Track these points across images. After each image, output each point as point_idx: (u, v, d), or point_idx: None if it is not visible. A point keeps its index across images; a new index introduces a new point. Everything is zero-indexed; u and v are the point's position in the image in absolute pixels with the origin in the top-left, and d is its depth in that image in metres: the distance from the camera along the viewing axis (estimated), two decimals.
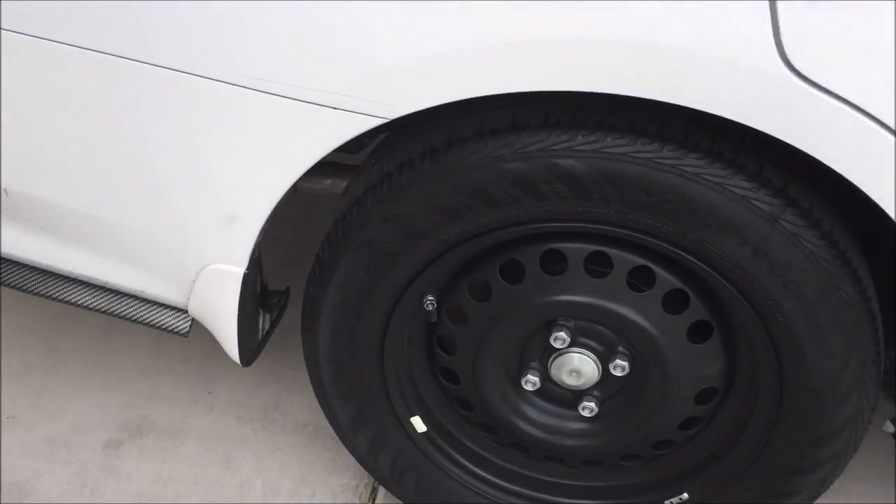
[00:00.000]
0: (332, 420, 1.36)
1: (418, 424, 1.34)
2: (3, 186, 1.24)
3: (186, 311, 1.32)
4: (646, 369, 1.23)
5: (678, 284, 1.16)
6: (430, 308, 1.24)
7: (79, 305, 1.38)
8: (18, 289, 1.39)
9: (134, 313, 1.36)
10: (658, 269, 1.16)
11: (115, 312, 1.37)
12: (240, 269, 1.20)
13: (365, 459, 1.39)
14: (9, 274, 1.37)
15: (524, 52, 0.95)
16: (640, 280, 1.17)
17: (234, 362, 1.33)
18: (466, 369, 1.28)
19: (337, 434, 1.39)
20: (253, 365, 1.35)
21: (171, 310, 1.34)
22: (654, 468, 1.35)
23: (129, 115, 1.11)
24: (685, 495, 1.32)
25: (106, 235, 1.25)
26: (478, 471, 1.38)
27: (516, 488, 1.39)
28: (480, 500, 1.37)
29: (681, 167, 1.02)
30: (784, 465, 1.23)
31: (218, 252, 1.19)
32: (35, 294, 1.39)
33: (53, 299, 1.39)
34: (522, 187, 1.06)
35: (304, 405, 1.70)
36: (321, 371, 1.30)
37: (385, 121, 1.02)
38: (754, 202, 1.02)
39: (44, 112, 1.15)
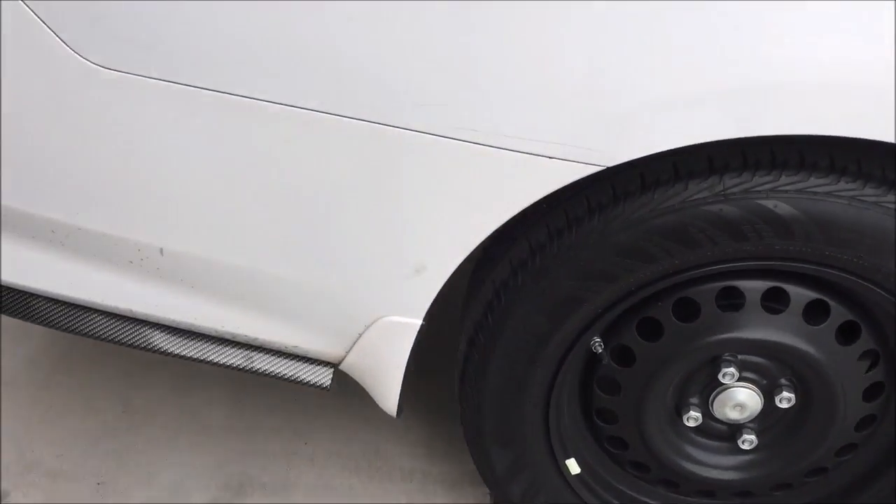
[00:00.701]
0: (487, 469, 1.34)
1: (573, 466, 1.33)
2: (159, 246, 1.18)
3: (332, 364, 1.29)
4: (810, 400, 1.25)
5: (850, 316, 1.19)
6: (599, 350, 1.24)
7: (210, 363, 1.33)
8: (147, 349, 1.33)
9: (271, 369, 1.32)
10: (832, 302, 1.18)
11: (251, 369, 1.33)
12: (416, 321, 1.18)
13: None
14: (140, 333, 1.31)
15: (762, 96, 0.96)
16: (811, 313, 1.19)
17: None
18: (628, 408, 1.27)
19: (488, 483, 1.37)
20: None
21: (311, 363, 1.31)
22: (803, 495, 1.37)
23: (313, 168, 1.08)
24: None
25: (267, 291, 1.21)
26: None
27: None
28: None
29: (883, 203, 1.05)
30: None
31: (396, 304, 1.17)
32: (163, 353, 1.34)
33: (184, 358, 1.33)
34: (723, 228, 1.08)
35: (405, 451, 1.67)
36: (483, 419, 1.28)
37: (601, 168, 1.02)
38: None
39: (219, 170, 1.11)
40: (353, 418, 1.72)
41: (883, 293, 1.13)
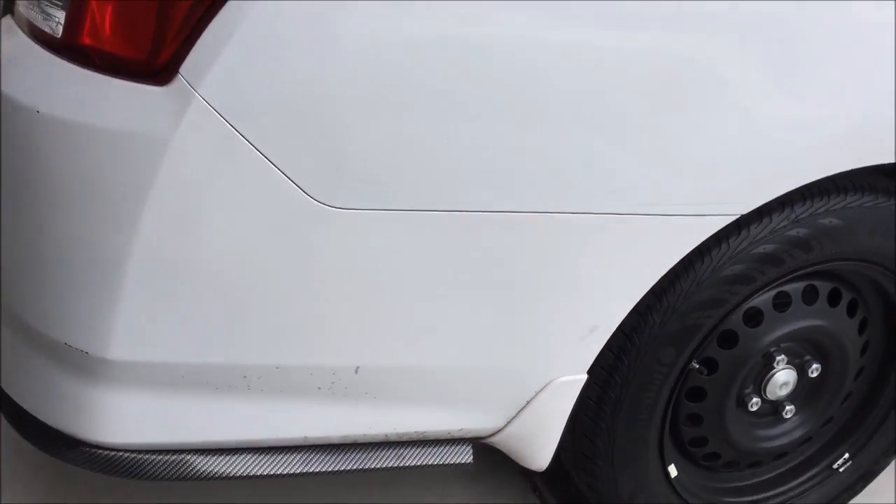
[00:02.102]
0: (614, 496, 1.54)
1: (672, 471, 1.58)
2: (356, 366, 1.24)
3: (473, 440, 1.42)
4: (829, 365, 1.61)
5: (852, 294, 1.58)
6: (696, 366, 1.50)
7: (363, 471, 1.39)
8: (304, 474, 1.36)
9: (421, 462, 1.41)
10: (842, 287, 1.57)
11: (401, 466, 1.41)
12: (583, 376, 1.36)
13: None
14: (299, 460, 1.34)
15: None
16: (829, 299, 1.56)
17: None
18: (712, 410, 1.55)
19: None
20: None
21: (455, 444, 1.42)
22: (817, 443, 1.74)
23: (509, 263, 1.23)
24: (846, 455, 1.73)
25: (446, 384, 1.32)
26: (714, 495, 1.65)
27: (727, 500, 1.69)
28: None
29: (882, 205, 1.45)
30: None
31: (569, 365, 1.34)
32: (319, 473, 1.37)
33: (338, 473, 1.38)
34: (799, 245, 1.40)
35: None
36: (615, 450, 1.48)
37: (736, 217, 1.30)
38: None
39: (423, 280, 1.21)
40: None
41: (881, 269, 1.53)
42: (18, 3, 1.21)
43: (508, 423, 1.39)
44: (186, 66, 1.02)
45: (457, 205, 1.16)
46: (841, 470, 1.73)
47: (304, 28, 1.02)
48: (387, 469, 1.40)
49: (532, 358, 1.32)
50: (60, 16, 1.09)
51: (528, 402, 1.36)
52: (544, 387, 1.35)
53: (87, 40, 1.06)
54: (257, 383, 1.22)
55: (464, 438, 1.41)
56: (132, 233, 1.07)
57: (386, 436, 1.35)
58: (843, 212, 1.41)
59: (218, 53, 1.01)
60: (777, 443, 1.66)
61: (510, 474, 1.88)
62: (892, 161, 1.36)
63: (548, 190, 1.18)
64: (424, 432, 1.36)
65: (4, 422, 1.90)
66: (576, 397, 1.37)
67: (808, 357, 1.59)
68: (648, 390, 1.44)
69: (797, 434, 1.67)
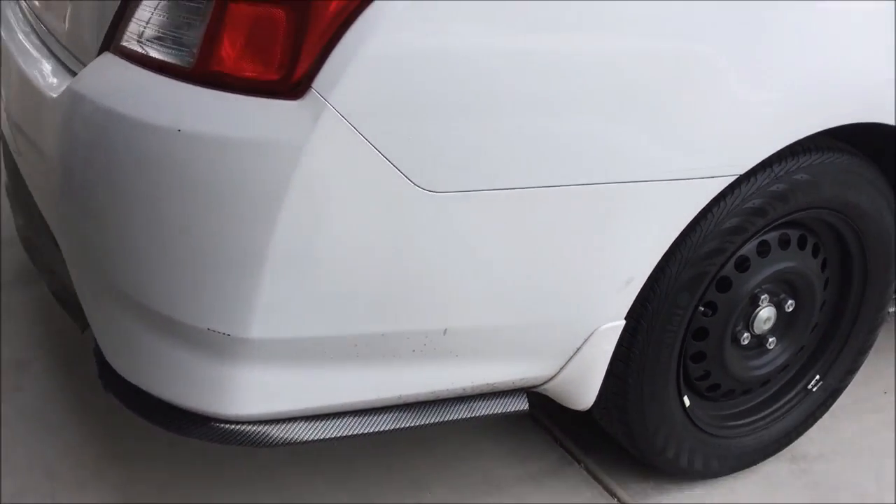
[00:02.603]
0: (642, 428, 1.80)
1: (686, 402, 1.86)
2: (444, 328, 1.47)
3: (527, 388, 1.66)
4: (801, 301, 1.92)
5: (815, 239, 1.90)
6: (702, 309, 1.78)
7: (441, 424, 1.61)
8: (394, 431, 1.57)
9: (489, 411, 1.64)
10: (808, 234, 1.88)
11: (472, 417, 1.64)
12: (622, 322, 1.62)
13: (684, 471, 1.86)
14: (391, 419, 1.55)
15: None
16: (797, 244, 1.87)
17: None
18: (714, 346, 1.84)
19: (661, 464, 1.84)
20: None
21: (512, 395, 1.66)
22: (792, 370, 2.05)
23: (568, 229, 1.48)
24: (817, 377, 2.04)
25: (516, 339, 1.55)
26: (718, 422, 1.94)
27: (728, 424, 1.98)
28: (730, 442, 1.93)
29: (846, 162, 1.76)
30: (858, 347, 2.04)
31: (610, 313, 1.60)
32: (409, 429, 1.58)
33: (423, 427, 1.59)
34: (779, 198, 1.70)
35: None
36: (643, 393, 1.75)
37: (736, 177, 1.58)
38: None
39: (502, 250, 1.44)
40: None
41: (837, 214, 1.84)
42: (127, 43, 1.38)
43: (561, 369, 1.63)
44: (318, 82, 1.23)
45: (526, 182, 1.40)
46: (814, 389, 2.05)
47: (418, 41, 1.25)
48: (461, 421, 1.62)
49: (581, 310, 1.57)
50: (190, 50, 1.28)
51: (577, 350, 1.61)
52: (591, 334, 1.60)
53: (223, 68, 1.25)
54: (364, 350, 1.43)
55: (523, 388, 1.65)
56: (271, 228, 1.27)
57: (464, 389, 1.57)
58: (810, 168, 1.72)
59: (346, 68, 1.22)
60: (763, 371, 1.96)
61: (528, 434, 2.12)
62: (836, 125, 1.67)
63: (598, 164, 1.44)
64: (494, 384, 1.60)
65: (4, 417, 2.04)
66: (616, 341, 1.63)
67: (783, 295, 1.90)
68: (668, 332, 1.71)
69: (779, 362, 1.97)
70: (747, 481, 2.04)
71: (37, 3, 1.80)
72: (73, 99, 1.41)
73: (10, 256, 2.69)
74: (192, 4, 1.28)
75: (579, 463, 2.06)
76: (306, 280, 1.32)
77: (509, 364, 1.59)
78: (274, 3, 1.21)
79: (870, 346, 2.07)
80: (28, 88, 1.62)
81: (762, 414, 2.02)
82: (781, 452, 2.08)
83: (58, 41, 1.66)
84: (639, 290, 1.60)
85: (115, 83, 1.36)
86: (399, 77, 1.25)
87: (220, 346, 1.36)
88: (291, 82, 1.23)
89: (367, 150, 1.27)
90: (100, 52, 1.44)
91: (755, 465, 2.05)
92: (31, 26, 1.84)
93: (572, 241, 1.49)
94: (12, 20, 1.93)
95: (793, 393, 2.04)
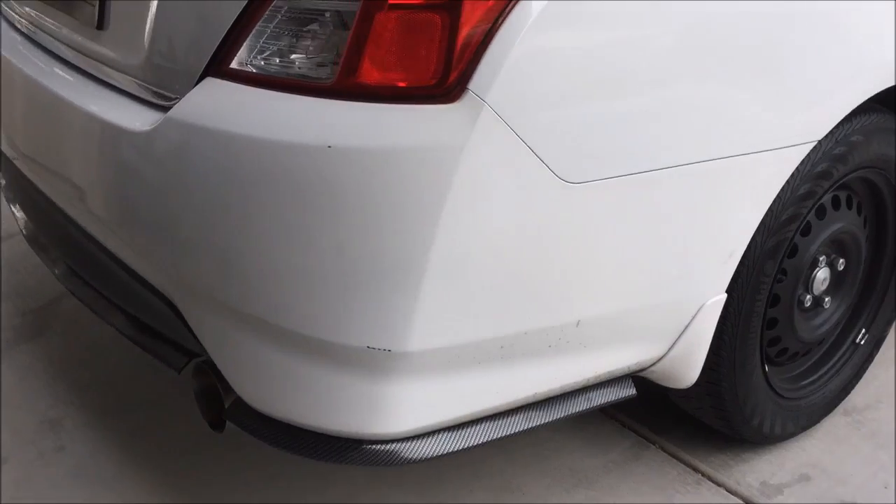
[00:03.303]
0: (733, 399, 1.84)
1: (766, 369, 1.91)
2: (577, 320, 1.47)
3: (640, 371, 1.68)
4: (849, 258, 2.01)
5: (857, 198, 1.99)
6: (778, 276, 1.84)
7: (562, 419, 1.62)
8: (524, 431, 1.56)
9: (604, 400, 1.66)
10: (853, 195, 1.97)
11: (589, 409, 1.65)
12: (724, 295, 1.66)
13: (766, 437, 1.93)
14: (522, 419, 1.54)
15: None
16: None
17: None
18: (784, 311, 1.90)
19: (747, 433, 1.90)
20: None
21: (617, 382, 1.68)
22: (840, 327, 2.14)
23: (674, 211, 1.51)
24: (863, 330, 2.14)
25: (636, 324, 1.57)
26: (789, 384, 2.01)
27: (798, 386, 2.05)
28: (800, 403, 2.01)
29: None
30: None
31: (714, 287, 1.63)
32: (532, 429, 1.57)
33: (543, 426, 1.59)
34: (840, 160, 1.78)
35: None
36: (736, 361, 1.79)
37: (816, 142, 1.65)
38: None
39: (628, 234, 1.47)
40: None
41: (878, 171, 1.94)
42: (239, 66, 1.34)
43: (670, 349, 1.66)
44: (475, 83, 1.22)
45: (649, 166, 1.43)
46: (862, 343, 2.14)
47: (559, 35, 1.25)
48: (582, 412, 1.63)
49: (691, 287, 1.61)
50: (328, 65, 1.25)
51: (686, 328, 1.64)
52: (699, 310, 1.64)
53: (370, 79, 1.23)
54: (508, 351, 1.43)
55: (632, 373, 1.67)
56: (431, 235, 1.25)
57: (587, 380, 1.58)
58: (862, 129, 1.80)
59: (500, 67, 1.22)
60: (822, 330, 2.04)
61: (597, 425, 2.14)
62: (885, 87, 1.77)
63: (714, 139, 1.48)
64: (612, 371, 1.61)
65: (56, 479, 1.96)
66: (719, 315, 1.67)
67: (834, 255, 1.99)
68: (757, 300, 1.76)
69: (833, 320, 2.06)
70: (813, 439, 2.12)
71: (74, 34, 1.70)
72: (181, 129, 1.35)
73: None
74: (323, 19, 1.25)
75: (654, 445, 2.09)
76: (462, 285, 1.31)
77: (627, 349, 1.61)
78: (425, 9, 1.20)
79: None
80: (82, 125, 1.54)
81: (821, 372, 2.10)
82: (836, 408, 2.17)
83: (115, 70, 1.58)
84: (738, 261, 1.64)
85: (236, 108, 1.32)
86: (543, 71, 1.26)
87: (377, 363, 1.32)
88: (447, 86, 1.22)
89: (519, 146, 1.27)
90: (199, 79, 1.39)
91: (819, 422, 2.13)
92: (56, 56, 1.74)
93: (687, 219, 1.53)
94: (25, 50, 1.83)
95: (844, 348, 2.13)
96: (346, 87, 1.24)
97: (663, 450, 2.07)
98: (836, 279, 2.02)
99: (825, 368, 2.10)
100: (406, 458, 1.41)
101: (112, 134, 1.49)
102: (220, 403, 1.57)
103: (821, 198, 1.83)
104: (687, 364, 1.71)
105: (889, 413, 2.21)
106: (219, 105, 1.34)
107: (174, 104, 1.42)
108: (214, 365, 1.52)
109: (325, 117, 1.25)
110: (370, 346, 1.31)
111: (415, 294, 1.28)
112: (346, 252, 1.27)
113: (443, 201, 1.24)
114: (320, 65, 1.27)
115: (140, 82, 1.53)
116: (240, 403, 1.48)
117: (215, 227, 1.33)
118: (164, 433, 2.10)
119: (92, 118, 1.54)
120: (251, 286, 1.33)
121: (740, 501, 1.93)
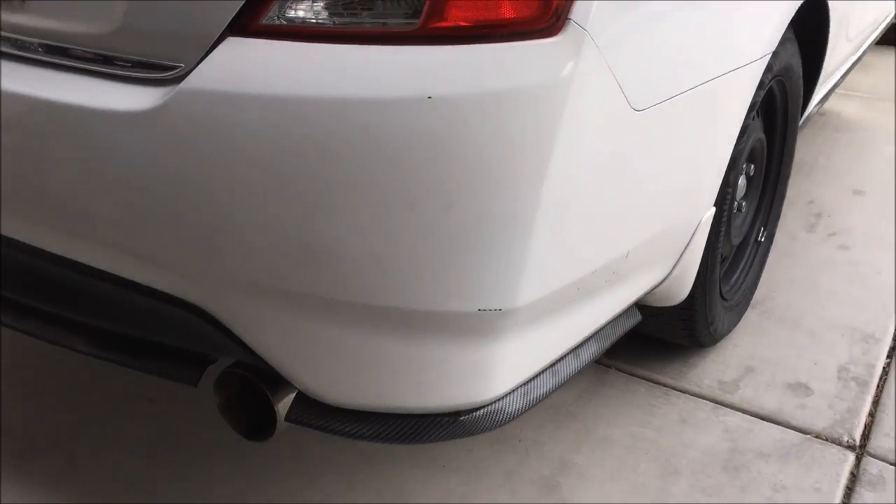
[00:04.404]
0: (704, 316, 1.93)
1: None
2: (626, 251, 1.47)
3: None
4: (759, 166, 2.17)
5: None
6: None
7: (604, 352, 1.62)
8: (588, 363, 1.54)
9: (623, 328, 1.68)
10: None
11: (616, 337, 1.66)
12: (713, 210, 1.72)
13: (714, 338, 2.06)
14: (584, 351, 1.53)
15: None
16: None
17: None
18: (727, 220, 2.02)
19: (704, 337, 1.99)
20: None
21: (624, 312, 1.71)
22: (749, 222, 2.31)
23: (690, 129, 1.54)
24: (762, 228, 2.33)
25: (656, 250, 1.59)
26: (726, 287, 2.15)
27: (731, 288, 2.19)
28: (732, 303, 2.15)
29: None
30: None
31: (708, 202, 1.69)
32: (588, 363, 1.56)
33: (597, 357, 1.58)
34: (768, 69, 1.90)
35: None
36: (714, 271, 1.88)
37: (770, 55, 1.75)
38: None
39: (673, 155, 1.48)
40: None
41: (781, 79, 2.11)
42: (277, 20, 1.17)
43: (674, 267, 1.70)
44: (575, 12, 1.15)
45: (686, 86, 1.44)
46: (762, 240, 2.33)
47: None
48: (612, 344, 1.63)
49: (695, 203, 1.65)
50: (407, 9, 1.13)
51: (687, 244, 1.69)
52: (698, 225, 1.69)
53: (464, 18, 1.12)
54: (581, 292, 1.39)
55: (638, 299, 1.70)
56: (540, 179, 1.18)
57: (623, 308, 1.59)
58: (782, 42, 1.94)
59: None
60: (741, 233, 2.19)
61: None
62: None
63: (718, 58, 1.52)
64: (635, 299, 1.63)
65: (5, 416, 1.72)
66: (709, 229, 1.73)
67: (747, 161, 2.13)
68: (725, 211, 1.85)
69: (747, 221, 2.22)
70: (737, 333, 2.29)
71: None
72: (210, 101, 1.16)
73: None
74: None
75: (611, 367, 2.15)
76: (563, 230, 1.25)
77: (646, 275, 1.62)
78: None
79: (785, 191, 2.40)
80: (64, 113, 1.28)
81: (740, 270, 2.26)
82: (750, 303, 2.36)
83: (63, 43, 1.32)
84: (721, 178, 1.71)
85: (294, 67, 1.14)
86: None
87: (485, 325, 1.24)
88: (549, 17, 1.14)
89: (608, 77, 1.22)
90: (218, 40, 1.20)
91: (741, 317, 2.30)
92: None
93: (702, 135, 1.56)
94: None
95: (750, 246, 2.31)
96: (436, 29, 1.13)
97: (621, 371, 2.14)
98: (748, 185, 2.17)
99: (741, 267, 2.27)
100: (505, 418, 1.34)
101: (96, 124, 1.25)
102: (257, 409, 1.40)
103: (758, 107, 1.94)
104: (683, 280, 1.76)
105: (786, 298, 2.44)
106: (268, 67, 1.16)
107: (178, 74, 1.22)
108: (251, 367, 1.35)
109: (418, 66, 1.13)
110: (481, 307, 1.21)
111: (524, 246, 1.20)
112: (453, 212, 1.16)
113: (553, 141, 1.17)
114: (399, 7, 1.13)
115: (110, 53, 1.29)
116: (301, 400, 1.33)
117: (283, 208, 1.16)
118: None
119: (57, 108, 1.28)
120: (340, 271, 1.18)
121: (709, 402, 2.05)
